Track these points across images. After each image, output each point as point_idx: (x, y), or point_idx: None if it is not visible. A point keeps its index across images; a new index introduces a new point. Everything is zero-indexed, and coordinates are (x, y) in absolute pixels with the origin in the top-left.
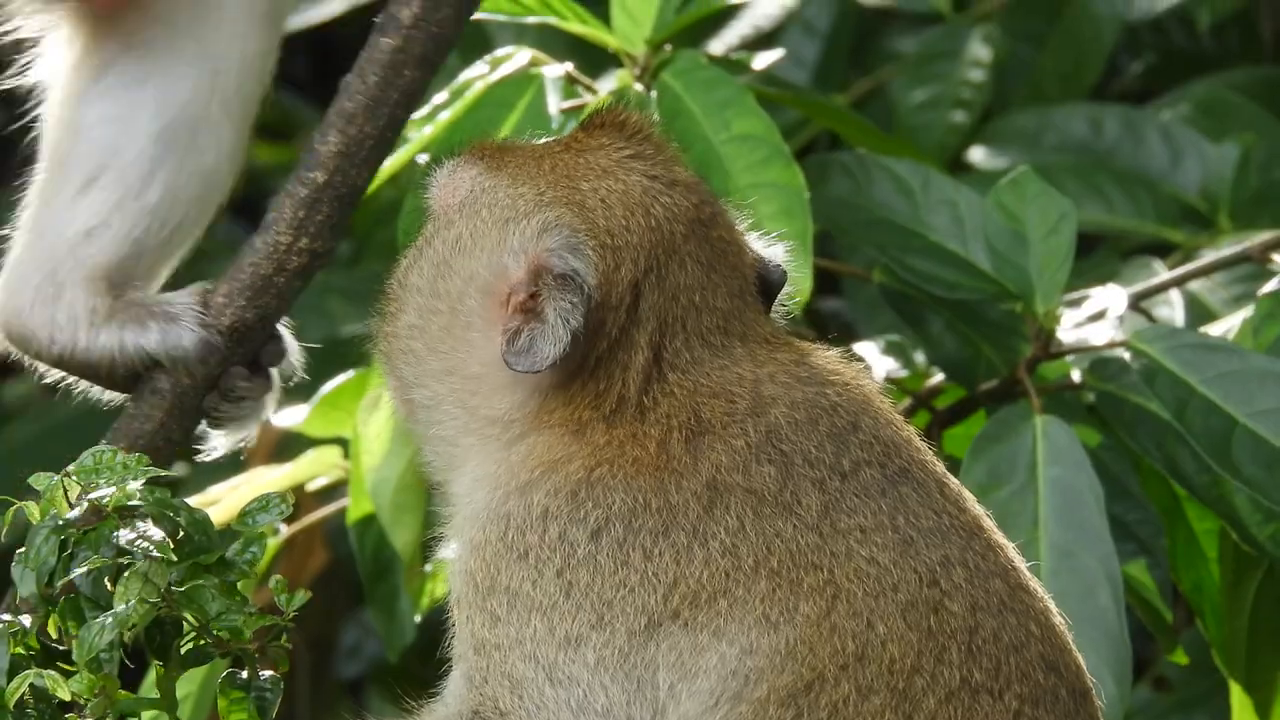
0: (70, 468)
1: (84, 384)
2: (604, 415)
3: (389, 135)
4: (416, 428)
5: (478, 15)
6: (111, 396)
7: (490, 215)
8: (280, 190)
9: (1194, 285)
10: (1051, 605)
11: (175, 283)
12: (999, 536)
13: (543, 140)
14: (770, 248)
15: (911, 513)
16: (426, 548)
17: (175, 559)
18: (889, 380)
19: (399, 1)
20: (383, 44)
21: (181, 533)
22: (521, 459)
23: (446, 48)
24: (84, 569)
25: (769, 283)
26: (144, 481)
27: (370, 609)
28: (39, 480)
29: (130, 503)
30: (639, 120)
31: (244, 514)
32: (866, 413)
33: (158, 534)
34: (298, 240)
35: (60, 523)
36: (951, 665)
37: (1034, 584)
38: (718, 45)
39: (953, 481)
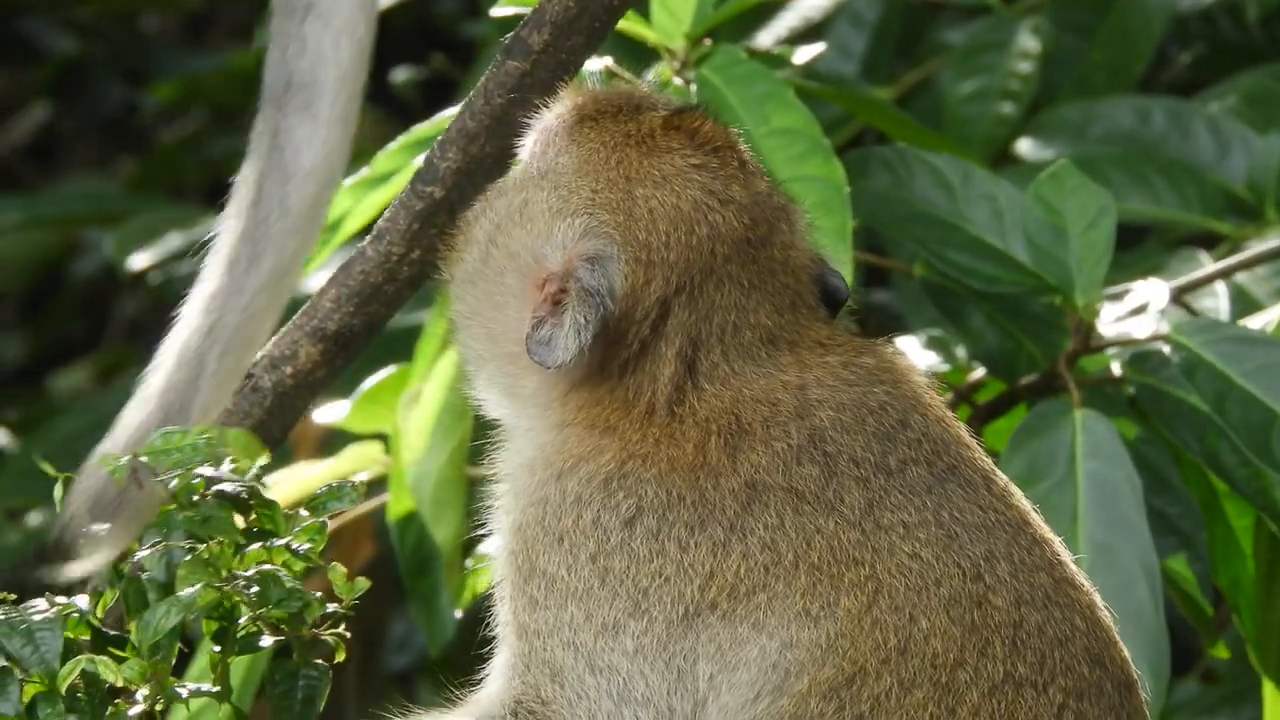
0: (140, 449)
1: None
2: (634, 419)
3: (507, 156)
4: (473, 376)
5: (522, 8)
6: None
7: (551, 199)
8: (394, 202)
9: (1240, 277)
10: (1097, 599)
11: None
12: (1045, 531)
13: (630, 119)
14: (834, 273)
15: (956, 508)
16: (467, 543)
17: (243, 542)
18: (931, 374)
19: (531, 25)
20: (510, 67)
21: (252, 516)
22: (556, 449)
23: (572, 72)
24: (150, 550)
25: (832, 295)
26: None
27: (411, 604)
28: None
29: (213, 483)
30: (713, 130)
31: (316, 499)
32: (916, 409)
33: (225, 518)
34: (410, 252)
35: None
36: (995, 659)
37: (1080, 578)
38: (766, 37)
39: (1000, 476)
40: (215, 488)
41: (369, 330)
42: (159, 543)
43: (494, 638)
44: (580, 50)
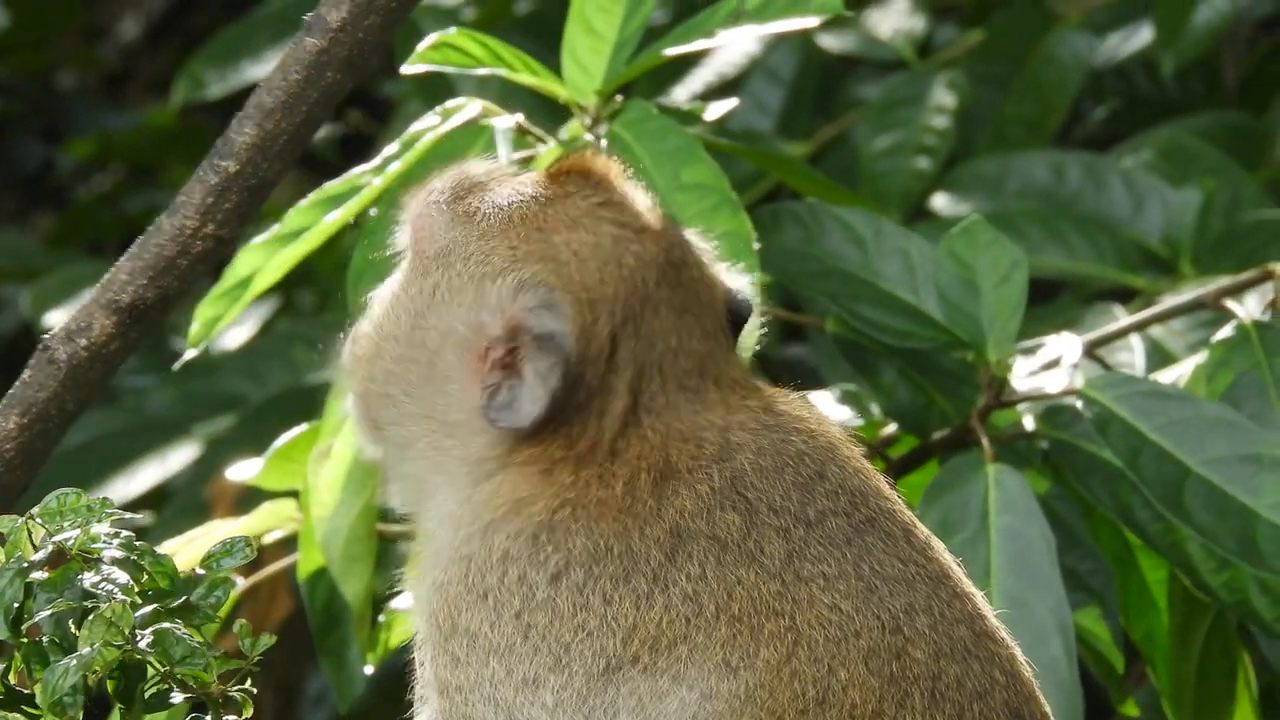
0: (34, 510)
1: None
2: (576, 456)
3: (304, 133)
4: (386, 463)
5: (436, 66)
6: None
7: (465, 270)
8: (192, 177)
9: (1155, 331)
10: (1018, 653)
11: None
12: (966, 585)
13: (508, 182)
14: (737, 280)
15: (876, 560)
16: (377, 599)
17: (140, 602)
18: (844, 430)
19: (329, 4)
20: (308, 44)
21: (145, 576)
22: (486, 498)
23: (372, 53)
24: (48, 611)
25: (737, 315)
26: (108, 525)
27: (321, 660)
28: (2, 523)
29: (94, 545)
30: (603, 166)
31: (208, 558)
32: (833, 461)
33: (122, 577)
34: (204, 226)
35: (25, 565)
36: (914, 711)
37: (1000, 632)
38: (681, 93)
39: (921, 529)
40: (109, 548)
41: (162, 303)
42: (55, 602)
43: (413, 699)
44: (378, 30)
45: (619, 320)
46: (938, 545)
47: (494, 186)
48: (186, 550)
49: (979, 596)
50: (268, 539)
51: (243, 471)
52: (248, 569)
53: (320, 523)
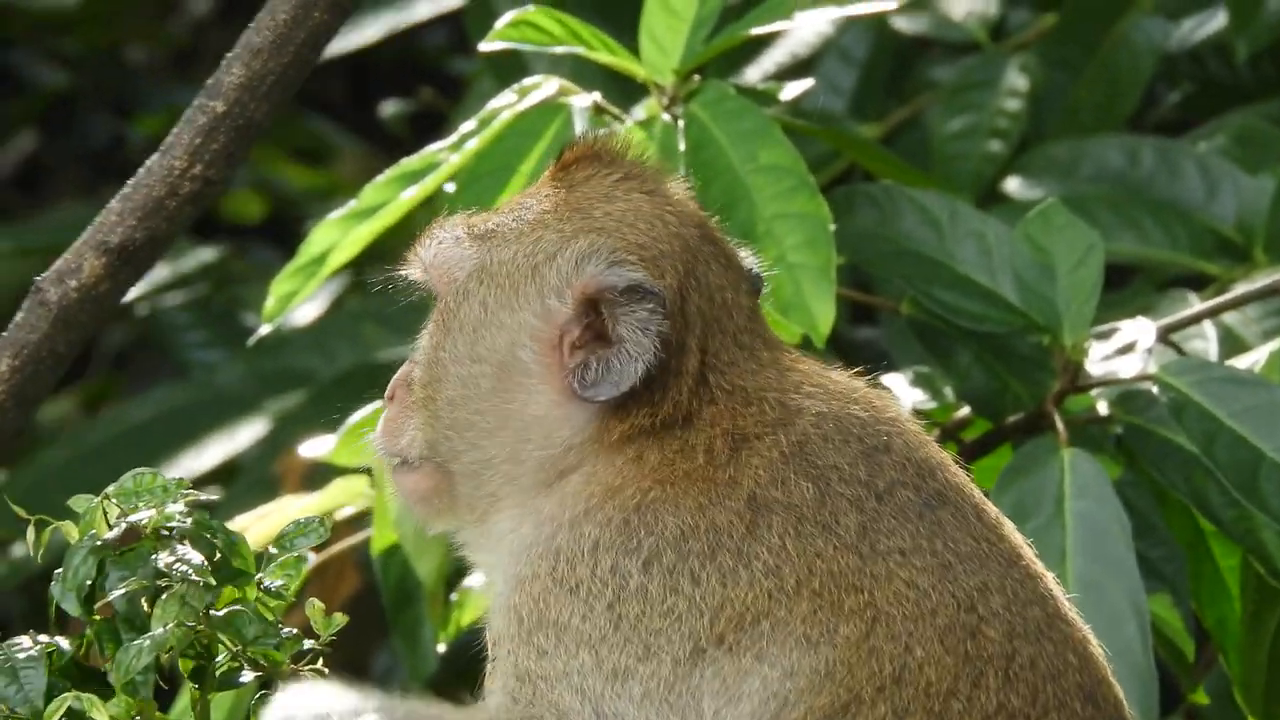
0: (110, 489)
1: None
2: (661, 425)
3: (292, 74)
4: (459, 500)
5: (514, 44)
6: None
7: (514, 267)
8: (181, 119)
9: (1228, 318)
10: (1090, 635)
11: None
12: (1038, 565)
13: (513, 201)
14: (745, 255)
15: (949, 537)
16: (451, 577)
17: (213, 582)
18: (917, 412)
19: None
20: None
21: (218, 556)
22: (576, 489)
23: None
24: (121, 590)
25: (753, 285)
26: (183, 505)
27: (394, 637)
28: (78, 502)
29: (169, 525)
30: (612, 146)
31: (282, 537)
32: (898, 433)
33: (196, 557)
34: (192, 166)
35: (99, 543)
36: (988, 690)
37: (1072, 614)
38: (754, 73)
39: (990, 508)
40: (184, 527)
41: (151, 244)
42: (128, 581)
43: (483, 682)
44: None
45: (682, 274)
46: (1008, 524)
47: (501, 209)
48: (259, 525)
49: (1050, 578)
50: (338, 515)
51: (315, 448)
52: (318, 546)
53: (394, 500)
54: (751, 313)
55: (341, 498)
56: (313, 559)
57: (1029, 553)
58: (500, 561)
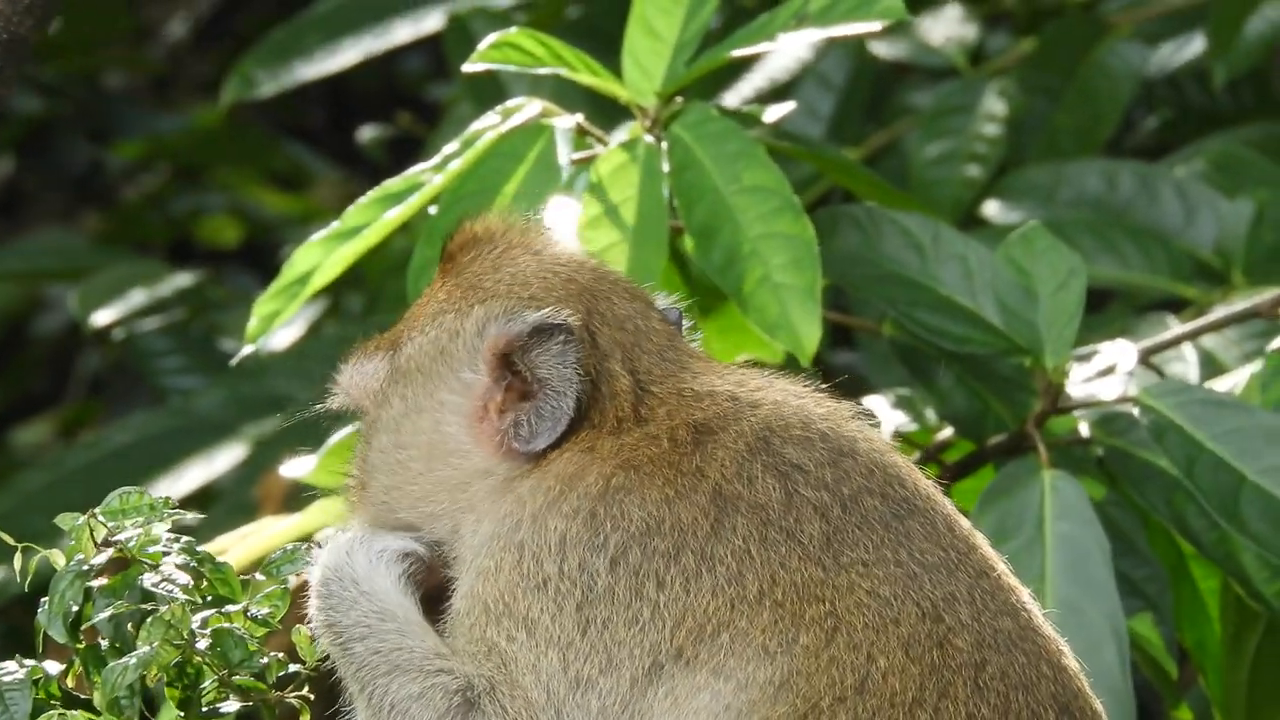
0: (97, 510)
1: None
2: (609, 432)
3: None
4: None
5: (497, 65)
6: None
7: (422, 357)
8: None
9: (1207, 341)
10: (1066, 649)
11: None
12: (1010, 578)
13: (408, 315)
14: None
15: (916, 547)
16: None
17: (199, 601)
18: (898, 434)
19: None
20: None
21: (205, 582)
22: (532, 487)
23: None
24: (108, 613)
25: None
26: (169, 525)
27: None
28: (65, 520)
29: (155, 549)
30: (491, 224)
31: (269, 565)
32: (863, 437)
33: (183, 577)
34: None
35: (86, 568)
36: (957, 700)
37: (1046, 627)
38: (732, 97)
39: (962, 519)
40: (170, 553)
41: None
42: (113, 606)
43: None
44: None
45: (584, 311)
46: (979, 536)
47: (399, 325)
48: (239, 546)
49: (1025, 592)
50: (319, 536)
51: (296, 469)
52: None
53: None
54: (670, 335)
55: (322, 518)
56: (293, 580)
57: (1000, 565)
58: (462, 555)
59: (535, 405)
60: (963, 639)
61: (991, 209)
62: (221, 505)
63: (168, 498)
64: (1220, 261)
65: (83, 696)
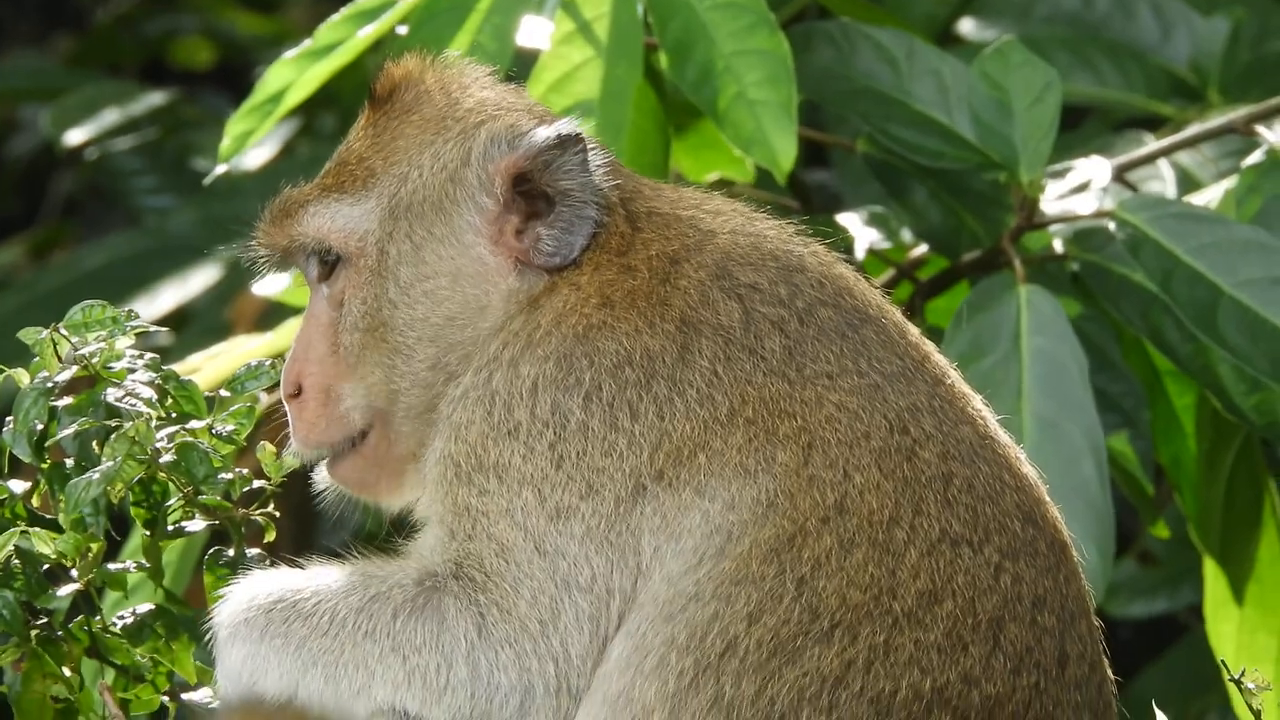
0: (60, 324)
1: None
2: (600, 262)
3: None
4: (396, 465)
5: None
6: None
7: (427, 189)
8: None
9: (1183, 159)
10: (1022, 455)
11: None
12: (963, 385)
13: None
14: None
15: (875, 356)
16: None
17: (164, 415)
18: (872, 251)
19: None
20: None
21: (170, 399)
22: (522, 325)
23: None
24: (72, 430)
25: None
26: (133, 339)
27: None
28: (28, 335)
29: (119, 365)
30: (412, 67)
31: (234, 380)
32: (810, 251)
33: (146, 391)
34: None
35: (50, 385)
36: (929, 516)
37: (1002, 434)
38: None
39: (911, 327)
40: (135, 370)
41: None
42: (78, 423)
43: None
44: None
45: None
46: (929, 344)
47: (345, 163)
48: (211, 366)
49: (976, 398)
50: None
51: (268, 286)
52: (269, 388)
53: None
54: (614, 160)
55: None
56: (265, 399)
57: (953, 373)
58: (441, 411)
59: (558, 217)
60: (929, 451)
61: (967, 26)
62: (195, 326)
63: (131, 310)
64: (1196, 78)
65: (48, 516)
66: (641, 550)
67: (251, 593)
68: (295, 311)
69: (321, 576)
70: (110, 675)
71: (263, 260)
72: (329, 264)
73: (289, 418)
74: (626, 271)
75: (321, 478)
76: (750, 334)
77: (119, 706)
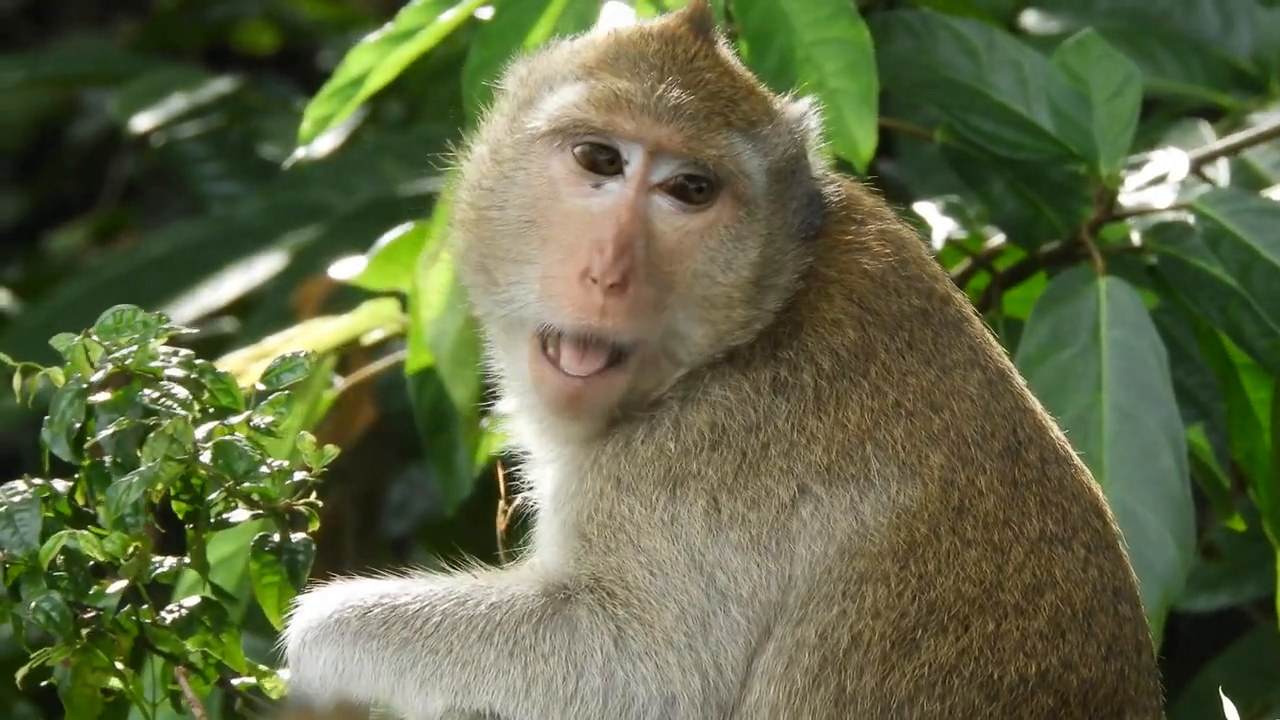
0: (92, 329)
1: None
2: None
3: None
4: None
5: None
6: None
7: (784, 159)
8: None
9: (1244, 151)
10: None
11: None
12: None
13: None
14: None
15: (986, 355)
16: (483, 403)
17: (200, 417)
18: (949, 241)
19: None
20: None
21: (206, 394)
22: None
23: None
24: (110, 430)
25: None
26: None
27: (429, 461)
28: (60, 341)
29: (153, 364)
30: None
31: (269, 374)
32: (918, 252)
33: (182, 392)
34: None
35: (84, 386)
36: (1030, 517)
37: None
38: None
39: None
40: (169, 366)
41: None
42: (115, 422)
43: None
44: None
45: None
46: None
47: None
48: (285, 349)
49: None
50: (365, 340)
51: (345, 269)
52: (341, 372)
53: (429, 324)
54: None
55: (371, 321)
56: (340, 382)
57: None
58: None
59: (813, 190)
60: (1032, 452)
61: (1030, 19)
62: (260, 314)
63: (162, 314)
64: (1257, 70)
65: (92, 513)
66: (796, 557)
67: (342, 597)
68: (367, 296)
69: (419, 585)
70: (159, 665)
71: (608, 151)
72: (702, 190)
73: (582, 294)
74: (859, 250)
75: (542, 389)
76: (906, 324)
77: (179, 695)
